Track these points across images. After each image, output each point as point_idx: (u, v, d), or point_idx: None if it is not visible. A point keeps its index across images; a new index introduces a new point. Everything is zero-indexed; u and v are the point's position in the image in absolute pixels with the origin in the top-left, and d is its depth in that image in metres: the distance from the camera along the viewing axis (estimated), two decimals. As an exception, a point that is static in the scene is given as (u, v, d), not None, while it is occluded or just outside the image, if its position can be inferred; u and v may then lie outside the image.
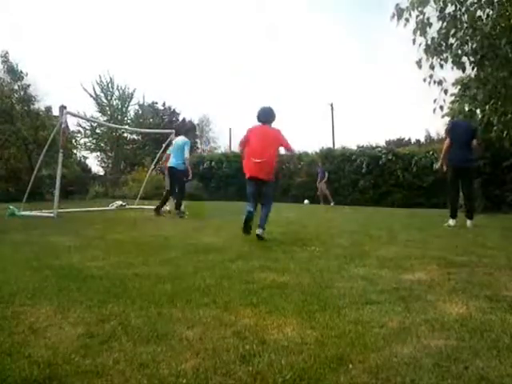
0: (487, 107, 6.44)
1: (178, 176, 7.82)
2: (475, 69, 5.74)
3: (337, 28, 57.79)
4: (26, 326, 1.82)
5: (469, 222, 6.03)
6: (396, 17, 5.26)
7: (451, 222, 6.12)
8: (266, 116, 4.92)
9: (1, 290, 2.39)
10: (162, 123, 28.76)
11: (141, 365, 1.44)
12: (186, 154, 7.63)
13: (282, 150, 5.05)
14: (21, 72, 17.37)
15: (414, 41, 5.45)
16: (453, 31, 5.36)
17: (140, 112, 25.28)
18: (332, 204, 13.71)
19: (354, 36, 57.78)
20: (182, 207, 8.65)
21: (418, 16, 5.28)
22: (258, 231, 4.53)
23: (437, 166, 6.49)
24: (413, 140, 32.70)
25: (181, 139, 7.99)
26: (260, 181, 4.69)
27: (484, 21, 5.35)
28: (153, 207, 10.46)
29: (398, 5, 5.25)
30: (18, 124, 16.30)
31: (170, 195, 8.21)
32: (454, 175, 6.20)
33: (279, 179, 5.24)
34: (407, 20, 5.26)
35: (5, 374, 1.38)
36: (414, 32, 5.39)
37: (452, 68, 5.60)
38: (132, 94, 24.19)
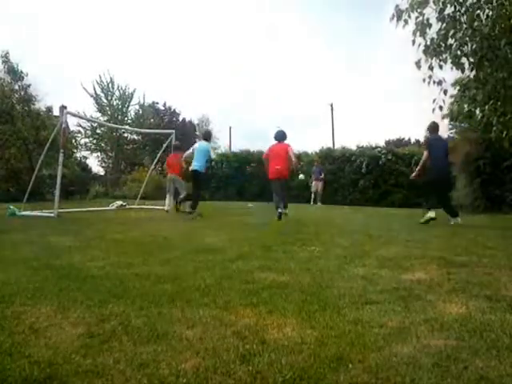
0: (486, 107, 6.45)
1: (201, 178, 8.25)
2: (474, 69, 5.75)
3: (337, 28, 57.84)
4: (26, 325, 1.82)
5: (458, 219, 6.57)
6: (396, 18, 5.27)
7: (431, 213, 6.53)
8: (281, 137, 7.75)
9: (1, 289, 2.39)
10: (162, 123, 28.77)
11: (141, 364, 1.44)
12: (213, 156, 8.67)
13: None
14: (21, 72, 17.38)
15: (413, 42, 5.46)
16: (452, 32, 5.36)
17: (140, 112, 25.28)
18: (311, 203, 14.16)
19: (354, 36, 57.78)
20: (188, 208, 8.85)
21: (417, 17, 5.28)
22: (281, 210, 7.30)
23: (413, 175, 7.27)
24: (412, 140, 32.73)
25: (204, 144, 8.36)
26: (278, 179, 7.53)
27: (483, 21, 5.35)
28: (153, 207, 10.52)
29: (397, 6, 5.25)
30: (18, 124, 16.31)
31: (197, 197, 8.33)
32: (436, 186, 6.70)
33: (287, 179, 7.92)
34: (406, 22, 5.28)
35: (5, 374, 1.38)
36: (414, 33, 5.39)
37: (451, 68, 5.60)
38: (132, 94, 24.22)
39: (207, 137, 8.94)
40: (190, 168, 8.23)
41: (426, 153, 6.83)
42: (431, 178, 6.75)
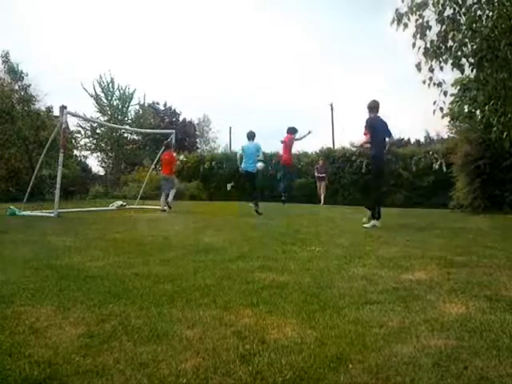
0: (487, 108, 6.45)
1: (255, 177, 8.57)
2: (474, 70, 5.75)
3: (337, 28, 57.83)
4: (26, 325, 1.82)
5: (378, 222, 5.82)
6: (396, 22, 5.28)
7: (377, 222, 5.79)
8: (290, 131, 10.40)
9: (1, 289, 2.39)
10: (162, 124, 28.77)
11: (141, 364, 1.44)
12: (261, 157, 8.51)
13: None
14: (21, 72, 17.38)
15: (413, 44, 5.47)
16: (451, 34, 5.36)
17: (140, 112, 25.28)
18: (321, 204, 14.01)
19: (355, 36, 57.76)
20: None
21: (417, 20, 5.29)
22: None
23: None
24: (413, 140, 32.71)
25: (251, 145, 8.48)
26: (283, 166, 10.82)
27: (484, 22, 5.35)
28: (153, 207, 10.54)
29: (397, 10, 5.27)
30: (18, 124, 16.31)
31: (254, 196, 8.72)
32: (380, 172, 6.19)
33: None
34: (406, 25, 5.29)
35: (5, 374, 1.38)
36: (414, 36, 5.40)
37: (452, 69, 5.60)
38: (132, 94, 24.20)
39: (250, 137, 8.66)
40: (242, 169, 8.53)
41: (368, 135, 6.01)
42: (377, 168, 6.11)
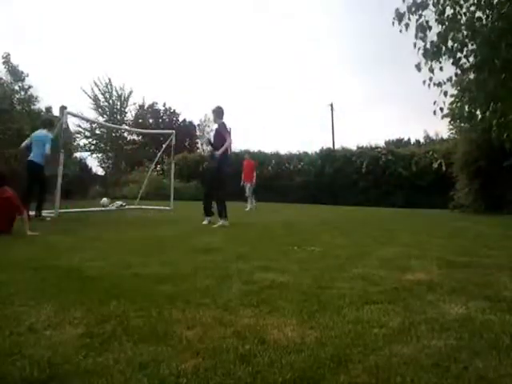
0: (487, 108, 6.45)
1: (40, 172, 7.29)
2: (474, 70, 5.76)
3: (338, 28, 57.86)
4: (26, 326, 1.81)
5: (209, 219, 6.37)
6: (397, 21, 5.31)
7: (225, 221, 6.16)
8: None
9: (1, 290, 2.39)
10: (163, 124, 28.77)
11: (141, 365, 1.44)
12: (48, 151, 7.07)
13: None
14: (22, 73, 17.40)
15: (414, 44, 5.48)
16: (451, 34, 5.37)
17: (139, 112, 25.29)
18: None
19: (355, 36, 57.79)
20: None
21: (417, 20, 5.31)
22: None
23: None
24: (412, 140, 32.77)
25: (41, 133, 7.26)
26: None
27: (484, 21, 5.35)
28: (152, 208, 10.53)
29: (397, 9, 5.30)
30: (18, 124, 16.30)
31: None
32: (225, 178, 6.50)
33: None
34: (407, 26, 5.31)
35: (5, 374, 1.38)
36: (415, 36, 5.42)
37: (453, 65, 5.61)
38: (130, 94, 24.22)
39: (47, 124, 7.53)
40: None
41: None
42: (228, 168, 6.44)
